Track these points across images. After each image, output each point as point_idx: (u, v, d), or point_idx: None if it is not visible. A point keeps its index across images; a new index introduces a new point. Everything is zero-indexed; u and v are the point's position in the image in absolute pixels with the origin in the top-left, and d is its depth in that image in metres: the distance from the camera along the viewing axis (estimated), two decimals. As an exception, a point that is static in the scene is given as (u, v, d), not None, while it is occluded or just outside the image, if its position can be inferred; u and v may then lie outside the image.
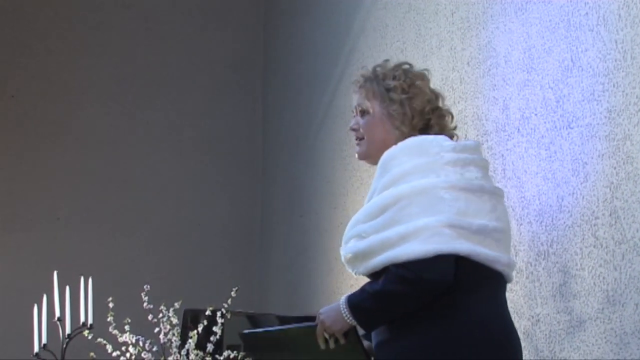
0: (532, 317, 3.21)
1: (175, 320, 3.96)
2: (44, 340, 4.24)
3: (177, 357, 3.91)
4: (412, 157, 2.46)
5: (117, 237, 5.79)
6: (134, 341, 3.92)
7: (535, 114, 3.28)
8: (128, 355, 3.94)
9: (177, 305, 4.00)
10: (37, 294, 4.47)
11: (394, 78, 2.60)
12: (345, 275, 4.60)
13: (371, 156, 2.64)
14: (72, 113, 5.85)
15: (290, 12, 5.80)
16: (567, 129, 3.11)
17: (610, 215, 2.89)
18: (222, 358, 3.92)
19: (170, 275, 5.72)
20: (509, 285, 2.55)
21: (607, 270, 2.90)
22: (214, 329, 3.91)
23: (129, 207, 5.84)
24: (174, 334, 3.94)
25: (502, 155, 3.42)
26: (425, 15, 4.03)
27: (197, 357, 3.90)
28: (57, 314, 4.27)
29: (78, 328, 4.23)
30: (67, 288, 4.33)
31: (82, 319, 4.25)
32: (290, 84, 5.69)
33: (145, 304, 3.92)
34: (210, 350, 3.91)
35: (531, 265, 3.23)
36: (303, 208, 5.32)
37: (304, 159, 5.37)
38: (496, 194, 2.52)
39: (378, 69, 2.64)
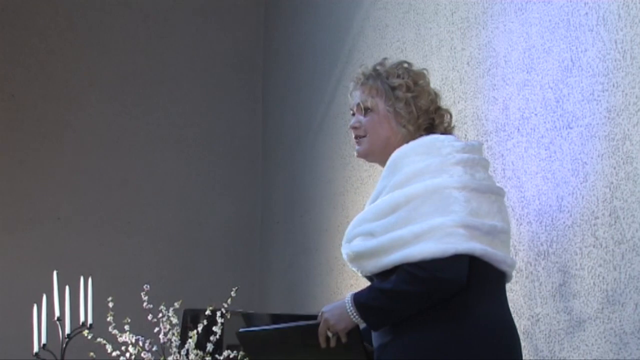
0: (532, 316, 3.21)
1: (175, 320, 3.96)
2: (43, 340, 4.24)
3: (176, 357, 3.91)
4: (425, 157, 2.45)
5: (117, 237, 5.79)
6: (133, 341, 3.92)
7: (535, 114, 3.28)
8: (128, 355, 3.94)
9: (176, 305, 4.00)
10: (37, 294, 4.47)
11: (398, 76, 2.58)
12: (345, 275, 4.60)
13: (373, 154, 2.62)
14: (73, 112, 5.85)
15: (291, 11, 5.80)
16: (566, 129, 3.11)
17: (610, 215, 2.89)
18: (221, 358, 3.93)
19: (170, 275, 5.72)
20: (508, 285, 2.55)
21: (607, 270, 2.90)
22: (214, 328, 3.92)
23: (128, 207, 5.84)
24: (173, 334, 3.94)
25: (502, 155, 3.42)
26: (425, 15, 4.03)
27: (197, 357, 3.90)
28: (57, 313, 4.28)
29: (78, 328, 4.23)
30: (67, 288, 4.33)
31: (82, 318, 4.26)
32: (290, 83, 5.69)
33: (145, 304, 3.93)
34: (210, 350, 3.91)
35: (531, 265, 3.23)
36: (303, 208, 5.32)
37: (304, 158, 5.37)
38: (500, 195, 2.52)
39: (379, 67, 2.62)
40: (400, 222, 2.40)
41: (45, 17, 5.91)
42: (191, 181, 5.97)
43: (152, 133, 5.95)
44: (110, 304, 3.95)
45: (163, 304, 3.97)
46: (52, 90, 5.85)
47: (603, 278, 2.91)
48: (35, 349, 4.27)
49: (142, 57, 6.00)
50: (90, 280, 4.32)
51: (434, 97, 2.61)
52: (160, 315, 3.95)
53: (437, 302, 2.36)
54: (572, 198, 3.06)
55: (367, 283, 2.60)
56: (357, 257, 2.49)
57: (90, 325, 4.22)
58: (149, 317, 3.94)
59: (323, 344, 2.43)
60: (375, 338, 2.48)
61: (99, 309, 4.16)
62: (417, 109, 2.56)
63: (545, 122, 3.22)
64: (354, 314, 2.41)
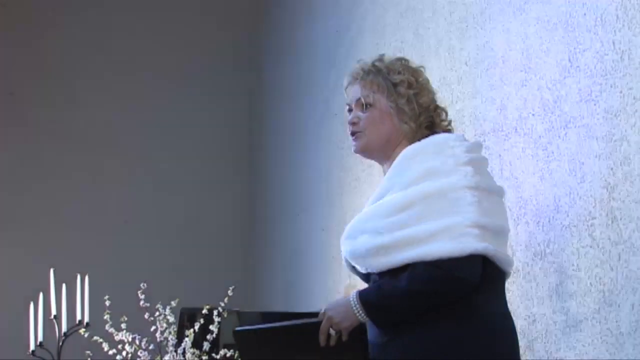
0: (529, 316, 3.21)
1: (171, 319, 3.96)
2: (40, 339, 4.24)
3: (173, 355, 3.90)
4: (436, 155, 2.43)
5: (114, 235, 5.79)
6: (130, 339, 3.92)
7: (533, 114, 3.28)
8: (124, 353, 3.94)
9: (173, 303, 3.99)
10: (34, 292, 4.47)
11: (399, 72, 2.56)
12: (341, 274, 4.60)
13: (371, 150, 2.58)
14: (70, 111, 5.85)
15: (289, 11, 5.80)
16: (564, 129, 3.11)
17: (607, 215, 2.89)
18: (218, 357, 3.92)
19: (167, 273, 5.72)
20: (505, 285, 2.56)
21: (604, 271, 2.90)
22: (211, 327, 3.91)
23: (125, 206, 5.84)
24: (170, 333, 3.93)
25: (500, 155, 3.42)
26: (424, 15, 4.03)
27: (194, 356, 3.90)
28: (54, 312, 4.27)
29: (74, 326, 4.23)
30: (64, 286, 4.33)
31: (79, 317, 4.25)
32: (288, 83, 5.68)
33: (141, 303, 3.92)
34: (207, 349, 3.91)
35: (528, 265, 3.23)
36: (300, 206, 5.32)
37: (301, 157, 5.37)
38: (501, 195, 2.52)
39: (378, 62, 2.59)
40: (412, 220, 2.37)
41: (44, 16, 5.90)
42: (188, 180, 5.97)
43: (150, 132, 5.95)
44: (107, 303, 3.94)
45: (160, 302, 3.97)
46: (50, 88, 5.85)
47: (600, 278, 2.92)
48: (32, 347, 4.27)
49: (140, 56, 6.00)
50: (86, 278, 4.32)
51: (433, 95, 2.60)
52: (157, 313, 3.94)
53: (447, 302, 2.34)
54: (569, 198, 3.06)
55: (364, 282, 2.59)
56: (363, 254, 2.44)
57: (87, 323, 4.22)
58: (146, 315, 3.93)
59: (323, 343, 2.38)
60: (372, 335, 2.43)
61: (96, 307, 4.15)
62: (418, 106, 2.54)
63: (543, 123, 3.22)
64: (360, 311, 2.38)
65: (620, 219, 2.84)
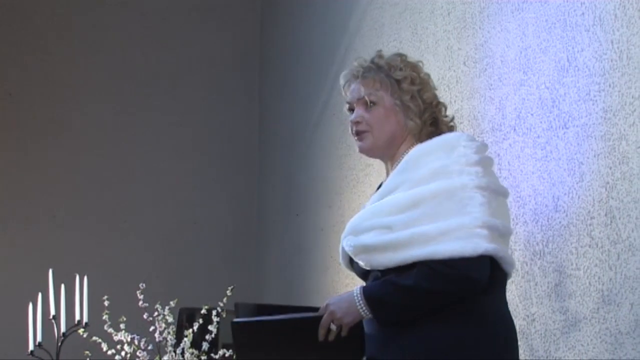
0: (528, 316, 3.21)
1: (170, 319, 3.96)
2: (39, 339, 4.23)
3: (172, 355, 3.90)
4: (447, 154, 2.39)
5: (113, 236, 5.79)
6: (129, 340, 3.92)
7: (531, 114, 3.28)
8: (123, 353, 3.94)
9: (172, 303, 4.00)
10: (33, 292, 4.47)
11: (400, 69, 2.51)
12: (340, 274, 4.60)
13: (378, 149, 2.53)
14: (70, 111, 5.85)
15: (287, 11, 5.80)
16: (563, 128, 3.11)
17: (606, 215, 2.89)
18: (217, 357, 3.92)
19: (166, 273, 5.72)
20: (503, 285, 2.56)
21: (603, 270, 2.90)
22: (210, 327, 3.91)
23: (124, 206, 5.84)
24: (169, 333, 3.94)
25: (498, 155, 3.42)
26: (422, 15, 4.03)
27: (193, 356, 3.90)
28: (52, 312, 4.27)
29: (73, 326, 4.23)
30: (63, 286, 4.33)
31: (77, 317, 4.25)
32: (287, 83, 5.68)
33: (140, 303, 3.92)
34: (206, 349, 3.91)
35: (527, 264, 3.23)
36: (299, 207, 5.32)
37: (300, 157, 5.37)
38: (506, 195, 2.49)
39: (377, 59, 2.54)
40: (423, 217, 2.33)
41: (43, 16, 5.90)
42: (187, 180, 5.97)
43: (149, 132, 5.95)
44: (106, 303, 3.95)
45: (159, 302, 3.97)
46: (49, 89, 5.85)
47: (599, 278, 2.92)
48: (31, 347, 4.27)
49: (139, 56, 6.00)
50: (85, 278, 4.31)
51: (435, 90, 2.56)
52: (156, 313, 3.94)
53: (454, 301, 2.31)
54: (568, 198, 3.06)
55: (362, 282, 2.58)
56: (369, 250, 2.40)
57: (86, 323, 4.21)
58: (145, 315, 3.94)
59: (322, 337, 2.34)
60: (372, 332, 2.39)
61: (95, 307, 4.15)
62: (422, 103, 2.50)
63: (541, 122, 3.22)
64: (364, 308, 2.34)
65: (619, 219, 2.84)
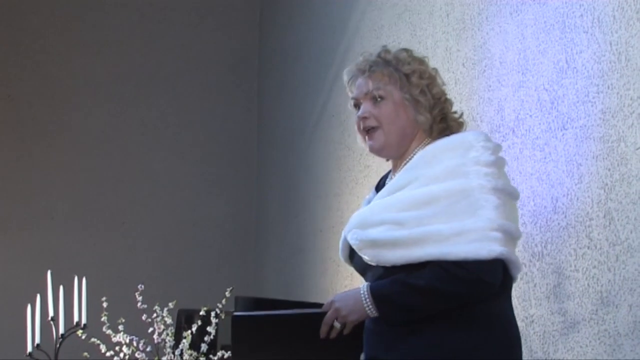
0: (526, 318, 3.21)
1: (169, 321, 3.96)
2: (37, 340, 4.23)
3: (170, 357, 3.90)
4: (464, 152, 2.33)
5: (111, 237, 5.79)
6: (127, 341, 3.92)
7: (530, 115, 3.28)
8: (122, 355, 3.94)
9: (171, 305, 4.00)
10: (31, 294, 4.46)
11: (408, 63, 2.45)
12: (339, 276, 4.60)
13: (390, 147, 2.44)
14: (68, 112, 5.85)
15: (286, 12, 5.80)
16: (561, 130, 3.11)
17: (605, 216, 2.89)
18: (215, 358, 3.92)
19: (165, 275, 5.72)
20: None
21: (601, 272, 2.90)
22: (208, 329, 3.91)
23: (123, 207, 5.84)
24: (167, 334, 3.94)
25: (497, 157, 3.42)
26: (421, 16, 4.03)
27: (191, 357, 3.90)
28: (51, 313, 4.27)
29: (72, 328, 4.22)
30: (61, 288, 4.32)
31: (76, 318, 4.25)
32: (286, 84, 5.69)
33: (139, 304, 3.92)
34: (204, 351, 3.91)
35: (525, 266, 3.23)
36: (298, 208, 5.32)
37: (299, 159, 5.37)
38: (517, 198, 2.45)
39: (384, 54, 2.48)
40: (436, 216, 2.27)
41: (41, 17, 5.90)
42: (186, 181, 5.97)
43: (147, 133, 5.95)
44: (105, 304, 3.94)
45: (157, 304, 3.97)
46: (48, 90, 5.85)
47: (597, 279, 2.92)
48: (29, 348, 4.27)
49: (137, 57, 6.00)
50: (84, 280, 4.31)
51: (443, 86, 2.50)
52: (155, 315, 3.94)
53: (465, 304, 2.27)
54: (567, 199, 3.06)
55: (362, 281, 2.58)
56: (377, 245, 2.32)
57: (84, 325, 4.21)
58: (143, 317, 3.94)
59: (324, 334, 2.30)
60: (377, 331, 2.34)
61: (93, 308, 4.15)
62: (432, 98, 2.43)
63: (540, 124, 3.22)
64: (370, 306, 2.28)
65: (618, 220, 2.84)
